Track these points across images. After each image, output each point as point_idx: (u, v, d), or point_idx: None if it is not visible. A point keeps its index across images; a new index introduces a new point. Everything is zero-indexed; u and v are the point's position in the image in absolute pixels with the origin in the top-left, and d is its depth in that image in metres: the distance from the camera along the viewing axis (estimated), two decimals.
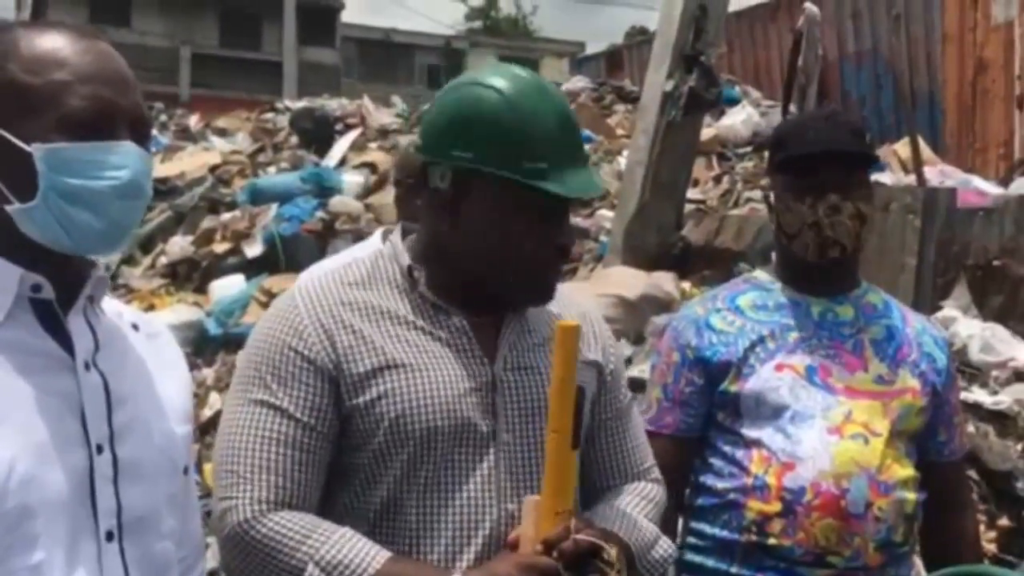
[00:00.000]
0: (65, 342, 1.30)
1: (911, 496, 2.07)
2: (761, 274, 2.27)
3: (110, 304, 1.42)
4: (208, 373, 6.61)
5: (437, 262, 1.69)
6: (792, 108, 7.66)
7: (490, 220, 1.63)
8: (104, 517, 1.28)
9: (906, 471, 2.08)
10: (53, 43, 1.29)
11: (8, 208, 1.27)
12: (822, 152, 2.08)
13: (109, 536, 1.29)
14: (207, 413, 5.76)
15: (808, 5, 8.11)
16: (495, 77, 1.65)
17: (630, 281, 5.72)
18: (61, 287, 1.30)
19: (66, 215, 1.26)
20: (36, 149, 1.25)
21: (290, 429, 1.60)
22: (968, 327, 5.11)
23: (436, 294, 1.69)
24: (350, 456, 1.64)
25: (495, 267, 1.65)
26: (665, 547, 1.77)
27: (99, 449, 1.29)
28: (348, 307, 1.66)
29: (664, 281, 5.86)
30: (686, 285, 6.13)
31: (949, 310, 5.38)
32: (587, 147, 10.03)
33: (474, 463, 1.64)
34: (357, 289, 1.69)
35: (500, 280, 1.66)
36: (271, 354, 1.64)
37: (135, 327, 1.44)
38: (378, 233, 3.06)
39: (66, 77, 1.27)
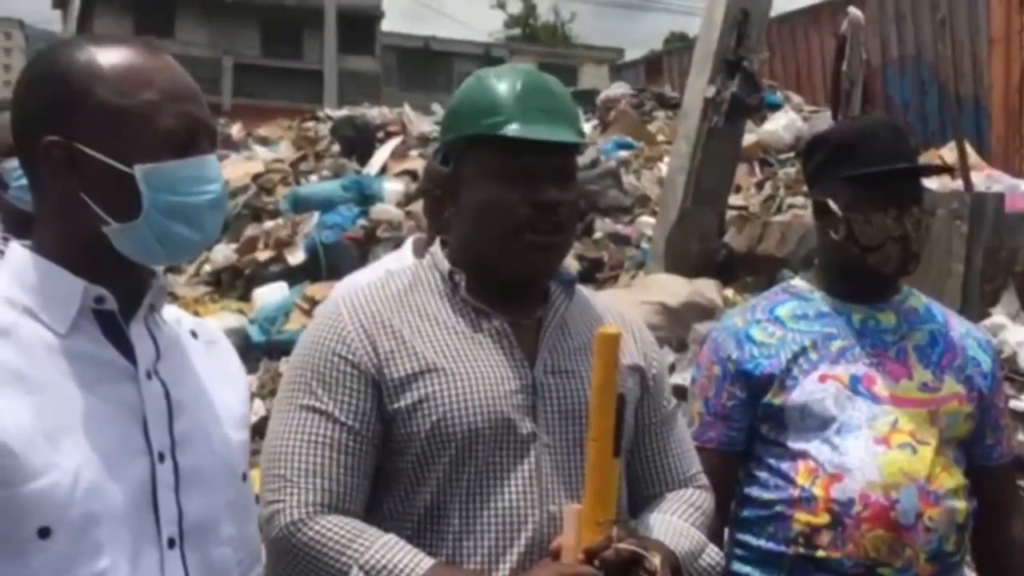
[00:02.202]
0: (127, 351, 1.33)
1: (962, 505, 2.05)
2: (799, 283, 2.24)
3: (169, 311, 1.44)
4: (252, 380, 6.67)
5: (470, 260, 1.72)
6: (839, 115, 7.60)
7: (472, 190, 1.69)
8: (166, 525, 1.31)
9: (956, 480, 2.05)
10: (132, 61, 1.32)
11: (106, 229, 1.30)
12: (914, 167, 2.06)
13: (171, 543, 1.31)
14: (252, 419, 5.80)
15: (852, 9, 8.06)
16: (485, 69, 1.80)
17: (673, 288, 5.71)
18: (123, 296, 1.33)
19: (166, 231, 1.30)
20: (138, 170, 1.29)
21: (335, 433, 1.63)
22: (1017, 334, 5.05)
23: (477, 297, 1.70)
24: (393, 461, 1.66)
25: (484, 238, 1.68)
26: (713, 555, 1.77)
27: (161, 457, 1.32)
28: (390, 312, 1.69)
29: (707, 288, 5.83)
30: (729, 292, 6.11)
31: (997, 317, 5.31)
32: (627, 154, 10.11)
33: (515, 466, 1.64)
34: (400, 296, 1.72)
35: (493, 252, 1.68)
36: (316, 360, 1.67)
37: (194, 334, 1.47)
38: (409, 242, 3.06)
39: (155, 97, 1.31)
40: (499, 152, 1.66)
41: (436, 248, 1.79)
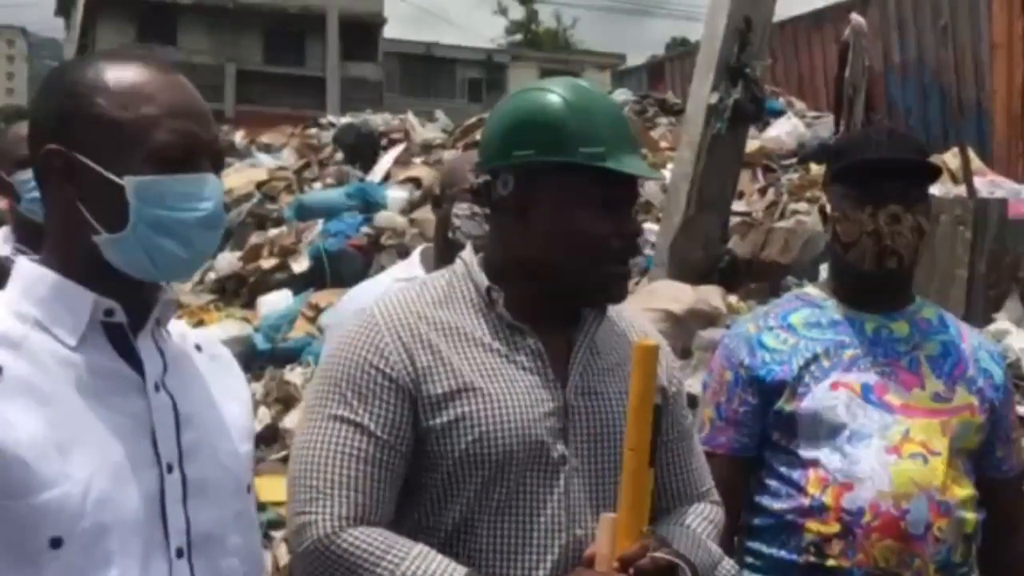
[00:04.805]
0: (135, 364, 1.34)
1: (971, 516, 2.05)
2: (812, 290, 2.26)
3: (175, 326, 1.45)
4: (256, 387, 6.67)
5: (512, 276, 1.70)
6: (840, 121, 7.62)
7: (557, 216, 1.65)
8: (174, 535, 1.32)
9: (966, 491, 2.05)
10: (139, 77, 1.33)
11: (96, 238, 1.31)
12: (885, 160, 2.07)
13: (179, 553, 1.32)
14: (256, 427, 5.81)
15: (854, 16, 8.07)
16: (549, 83, 1.74)
17: (677, 295, 5.71)
18: (131, 310, 1.34)
19: (154, 245, 1.31)
20: (128, 182, 1.29)
21: (369, 446, 1.62)
22: (1021, 340, 5.04)
23: (513, 314, 1.69)
24: (422, 476, 1.65)
25: (567, 264, 1.66)
26: (728, 567, 1.77)
27: (169, 469, 1.32)
28: (427, 325, 1.67)
29: (711, 295, 5.83)
30: (733, 299, 6.11)
31: (1001, 323, 5.30)
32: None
33: (546, 487, 1.64)
34: (435, 308, 1.70)
35: (574, 279, 1.67)
36: (351, 370, 1.64)
37: (198, 348, 1.48)
38: (416, 252, 3.06)
39: (154, 112, 1.31)
40: (592, 182, 1.64)
41: (471, 257, 1.76)
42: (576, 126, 1.65)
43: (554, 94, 1.68)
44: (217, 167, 1.36)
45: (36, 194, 2.70)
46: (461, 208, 2.58)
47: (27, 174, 2.67)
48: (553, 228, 1.66)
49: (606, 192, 1.65)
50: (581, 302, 1.72)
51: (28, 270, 1.34)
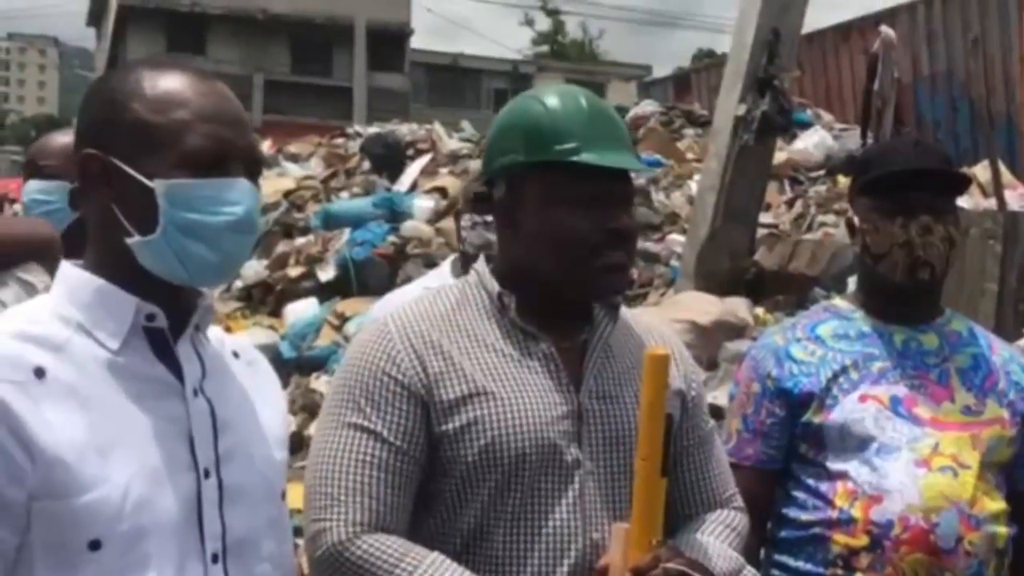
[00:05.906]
0: (174, 368, 1.36)
1: (1003, 530, 2.03)
2: (841, 302, 2.25)
3: (213, 332, 1.47)
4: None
5: (519, 280, 1.72)
6: (868, 133, 7.57)
7: (538, 216, 1.67)
8: (210, 540, 1.33)
9: (997, 504, 2.04)
10: (175, 84, 1.36)
11: (128, 240, 1.33)
12: (915, 171, 2.06)
13: (215, 558, 1.33)
14: None
15: (883, 28, 8.04)
16: (537, 89, 1.78)
17: (703, 307, 5.69)
18: (171, 315, 1.36)
19: (183, 248, 1.32)
20: (158, 185, 1.31)
21: (383, 452, 1.63)
22: None
23: (525, 320, 1.70)
24: (436, 482, 1.66)
25: (551, 263, 1.67)
26: (749, 575, 1.76)
27: (206, 474, 1.34)
28: (439, 333, 1.69)
29: (738, 307, 5.82)
30: (759, 311, 6.09)
31: None
32: (657, 171, 10.12)
33: (560, 492, 1.65)
34: (448, 315, 1.72)
35: (559, 277, 1.68)
36: (365, 378, 1.66)
37: (236, 355, 1.49)
38: (447, 262, 3.08)
39: (187, 116, 1.33)
40: (570, 179, 1.65)
41: (483, 266, 1.78)
42: (550, 125, 1.68)
43: (535, 99, 1.73)
44: (253, 173, 1.38)
45: (42, 208, 2.70)
46: (464, 220, 2.62)
47: (36, 185, 2.61)
48: (535, 228, 1.68)
49: (586, 188, 1.65)
50: (577, 301, 1.72)
51: (72, 275, 1.36)
